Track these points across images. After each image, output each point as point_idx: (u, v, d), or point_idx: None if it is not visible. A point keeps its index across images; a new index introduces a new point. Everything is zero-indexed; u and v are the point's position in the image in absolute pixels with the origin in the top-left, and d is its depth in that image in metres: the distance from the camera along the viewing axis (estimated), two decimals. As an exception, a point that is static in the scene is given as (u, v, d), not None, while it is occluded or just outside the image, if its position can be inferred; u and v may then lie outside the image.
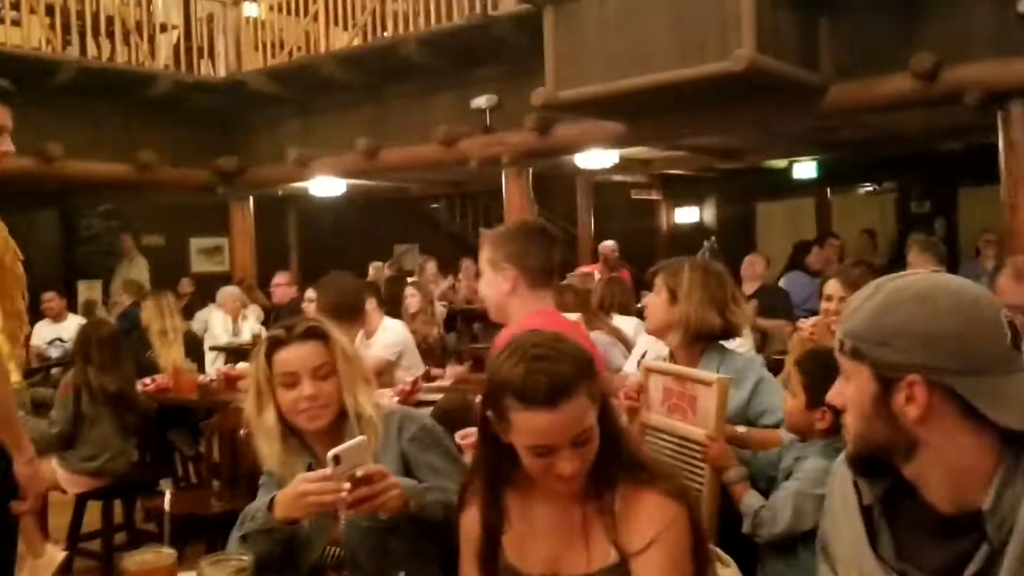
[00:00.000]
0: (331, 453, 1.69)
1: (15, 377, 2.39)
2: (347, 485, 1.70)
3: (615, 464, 1.55)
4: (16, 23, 8.01)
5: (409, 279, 7.87)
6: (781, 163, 11.05)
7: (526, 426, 1.48)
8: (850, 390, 1.25)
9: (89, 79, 8.14)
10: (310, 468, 1.98)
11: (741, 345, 3.65)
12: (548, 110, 6.79)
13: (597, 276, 7.25)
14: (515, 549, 1.59)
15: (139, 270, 10.62)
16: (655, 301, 2.77)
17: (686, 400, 2.42)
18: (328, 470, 1.71)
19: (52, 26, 8.09)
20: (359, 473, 1.70)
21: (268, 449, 2.00)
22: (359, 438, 1.77)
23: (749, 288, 6.09)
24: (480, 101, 7.89)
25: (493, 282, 2.53)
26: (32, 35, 8.05)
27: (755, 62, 5.50)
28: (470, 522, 1.63)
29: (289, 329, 2.02)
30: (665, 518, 1.51)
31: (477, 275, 2.92)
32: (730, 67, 5.54)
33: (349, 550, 1.95)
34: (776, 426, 2.50)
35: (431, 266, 9.78)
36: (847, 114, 6.46)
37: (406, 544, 1.92)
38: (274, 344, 2.00)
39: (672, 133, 7.57)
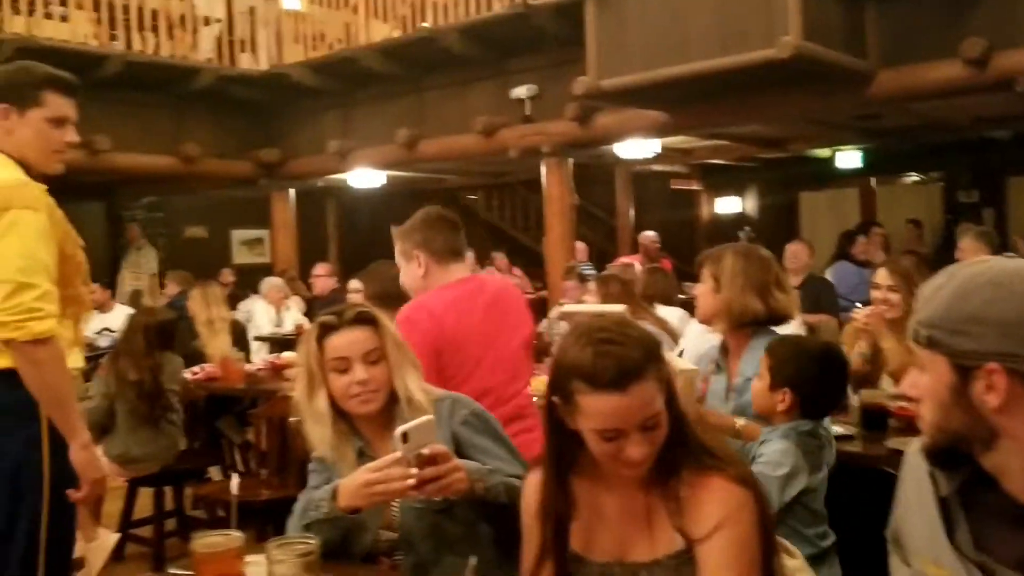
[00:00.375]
0: (399, 431, 1.70)
1: (78, 362, 2.42)
2: (414, 471, 1.71)
3: (680, 450, 1.54)
4: (64, 18, 8.13)
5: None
6: (825, 152, 10.90)
7: (595, 410, 1.47)
8: (926, 380, 1.23)
9: (134, 73, 8.24)
10: (361, 453, 2.00)
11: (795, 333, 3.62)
12: (589, 99, 6.75)
13: (638, 267, 7.23)
14: (580, 536, 1.59)
15: (147, 259, 10.74)
16: (702, 290, 2.78)
17: None
18: (397, 452, 1.72)
19: (98, 20, 8.21)
20: (426, 451, 1.71)
21: (319, 434, 2.01)
22: (426, 417, 1.78)
23: (794, 280, 6.00)
24: (520, 91, 7.87)
25: (408, 270, 2.82)
26: (79, 30, 8.16)
27: (801, 49, 5.42)
28: (534, 508, 1.62)
29: (340, 315, 2.03)
30: (731, 503, 1.49)
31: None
32: (775, 55, 5.47)
33: (403, 533, 1.96)
34: None
35: (469, 256, 9.79)
36: (894, 102, 6.36)
37: (460, 526, 1.94)
38: (325, 330, 2.01)
39: (714, 122, 7.50)
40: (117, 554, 4.30)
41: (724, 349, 2.79)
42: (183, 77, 8.77)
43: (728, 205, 13.46)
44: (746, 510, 1.49)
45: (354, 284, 5.25)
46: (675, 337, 4.48)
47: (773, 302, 2.67)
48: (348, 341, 1.98)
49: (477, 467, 1.89)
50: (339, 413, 2.02)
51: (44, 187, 2.30)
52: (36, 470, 2.22)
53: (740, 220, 12.76)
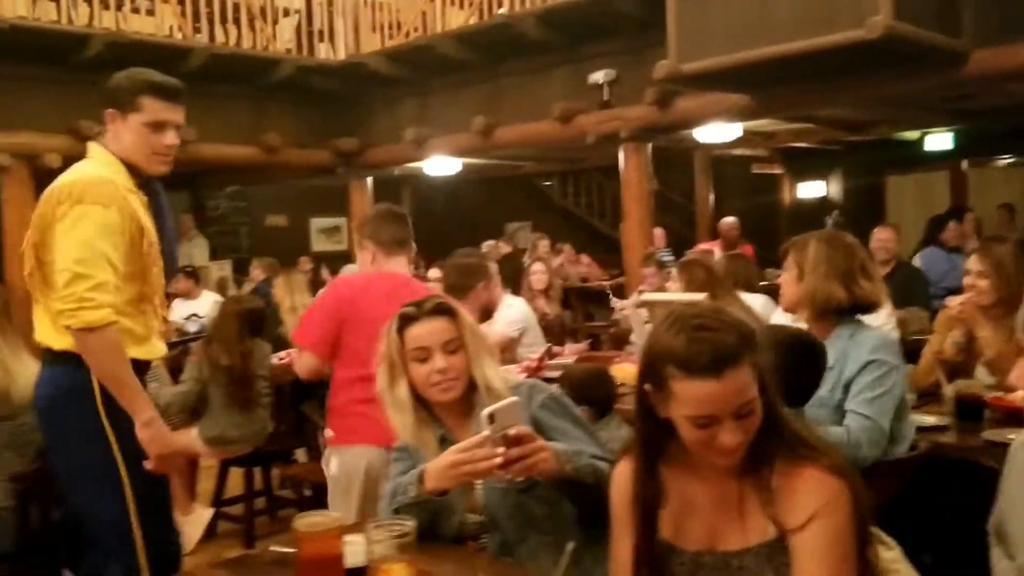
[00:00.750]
0: (486, 412, 1.74)
1: (155, 353, 2.55)
2: (500, 450, 1.73)
3: (772, 439, 1.51)
4: (150, 12, 8.38)
5: (525, 257, 7.92)
6: (913, 134, 10.58)
7: (689, 396, 1.46)
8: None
9: (217, 65, 8.43)
10: (442, 440, 2.04)
11: (884, 323, 3.53)
12: (669, 83, 6.66)
13: (717, 254, 7.13)
14: (670, 525, 1.58)
15: (199, 249, 10.96)
16: (785, 278, 2.76)
17: None
18: (483, 433, 1.75)
19: (183, 14, 8.41)
20: (511, 432, 1.73)
21: (400, 421, 2.07)
22: (511, 399, 1.81)
23: (882, 269, 5.82)
24: (598, 76, 7.81)
25: (361, 257, 3.24)
26: (164, 23, 8.40)
27: (892, 29, 5.24)
28: (625, 497, 1.62)
29: (419, 306, 2.09)
30: (826, 494, 1.47)
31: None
32: (864, 35, 5.30)
33: (488, 514, 1.99)
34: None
35: (544, 244, 9.80)
36: (989, 82, 6.12)
37: (544, 506, 1.97)
38: (405, 320, 2.08)
39: (799, 105, 7.33)
40: (210, 530, 4.46)
41: None
42: (264, 68, 8.94)
43: (811, 190, 13.17)
44: (841, 500, 1.47)
45: (433, 273, 5.32)
46: (761, 324, 4.39)
47: (858, 290, 2.62)
48: (428, 331, 2.04)
49: (564, 448, 1.90)
50: (420, 401, 2.08)
51: (127, 185, 2.41)
52: (105, 444, 2.34)
53: (823, 205, 12.47)
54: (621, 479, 1.64)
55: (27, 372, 2.89)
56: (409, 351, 2.05)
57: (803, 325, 2.75)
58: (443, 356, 2.02)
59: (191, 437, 4.32)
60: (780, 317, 3.73)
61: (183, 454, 2.42)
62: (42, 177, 7.87)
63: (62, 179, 2.38)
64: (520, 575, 1.69)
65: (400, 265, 3.18)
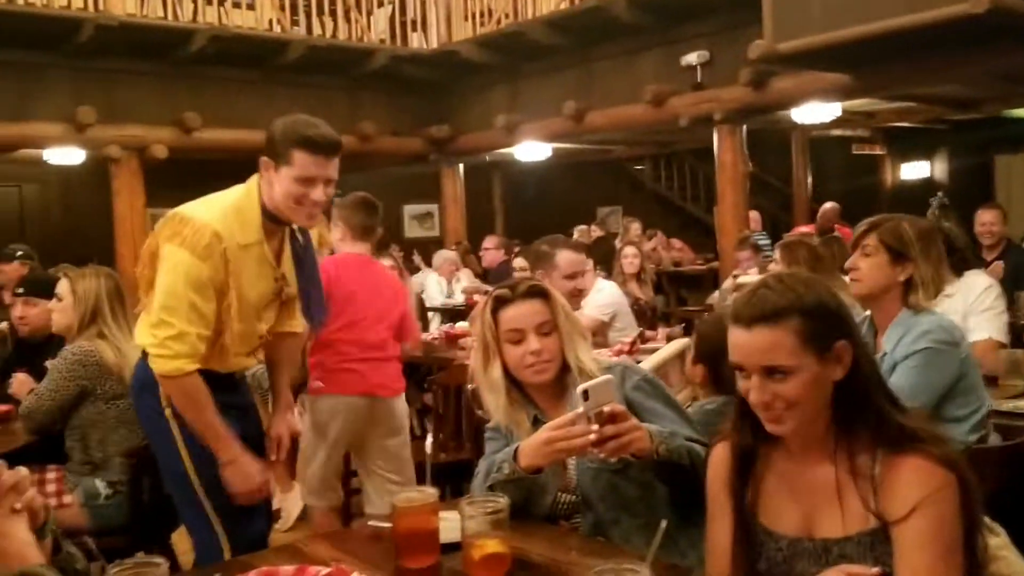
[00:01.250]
0: (580, 388, 1.75)
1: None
2: (595, 427, 1.74)
3: (871, 427, 1.49)
4: (251, 7, 8.62)
5: (617, 241, 7.88)
6: (1023, 112, 10.10)
7: (731, 343, 1.51)
8: None
9: (314, 56, 8.63)
10: (535, 420, 2.05)
11: (993, 304, 3.42)
12: (765, 63, 6.52)
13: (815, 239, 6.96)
14: (767, 509, 1.57)
15: None
16: (871, 263, 2.59)
17: None
18: (579, 409, 1.76)
19: (282, 7, 8.65)
20: (606, 409, 1.74)
21: (494, 402, 2.08)
22: (605, 376, 1.82)
23: (989, 253, 5.58)
24: (691, 58, 7.71)
25: (332, 233, 3.78)
26: (263, 17, 8.65)
27: (998, 2, 5.04)
28: (722, 477, 1.61)
29: (513, 288, 2.10)
30: (931, 485, 1.43)
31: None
32: (969, 9, 5.10)
33: (581, 493, 2.00)
34: None
35: (635, 227, 9.72)
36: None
37: (637, 488, 1.97)
38: (500, 302, 2.09)
39: (901, 83, 7.09)
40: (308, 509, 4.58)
41: (872, 324, 2.67)
42: (358, 59, 9.11)
43: (915, 171, 12.72)
44: (947, 491, 1.43)
45: (519, 262, 5.36)
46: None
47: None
48: (522, 313, 2.05)
49: (659, 430, 1.90)
50: (513, 382, 2.09)
51: (247, 239, 2.39)
52: (170, 439, 2.42)
53: (928, 186, 12.02)
54: (718, 460, 1.64)
55: (137, 354, 3.04)
56: (503, 332, 2.06)
57: (860, 312, 2.68)
58: (537, 338, 2.03)
59: (293, 418, 4.45)
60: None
61: (266, 484, 2.48)
62: (150, 168, 8.23)
63: (183, 209, 2.40)
64: (613, 553, 1.69)
65: (364, 248, 3.74)
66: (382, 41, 9.38)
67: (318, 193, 2.35)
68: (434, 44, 9.52)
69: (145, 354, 2.43)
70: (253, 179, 2.44)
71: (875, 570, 1.43)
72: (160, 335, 2.31)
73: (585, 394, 1.73)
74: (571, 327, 2.09)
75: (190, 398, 2.36)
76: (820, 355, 1.46)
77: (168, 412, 2.40)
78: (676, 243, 10.85)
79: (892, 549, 1.44)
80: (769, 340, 1.45)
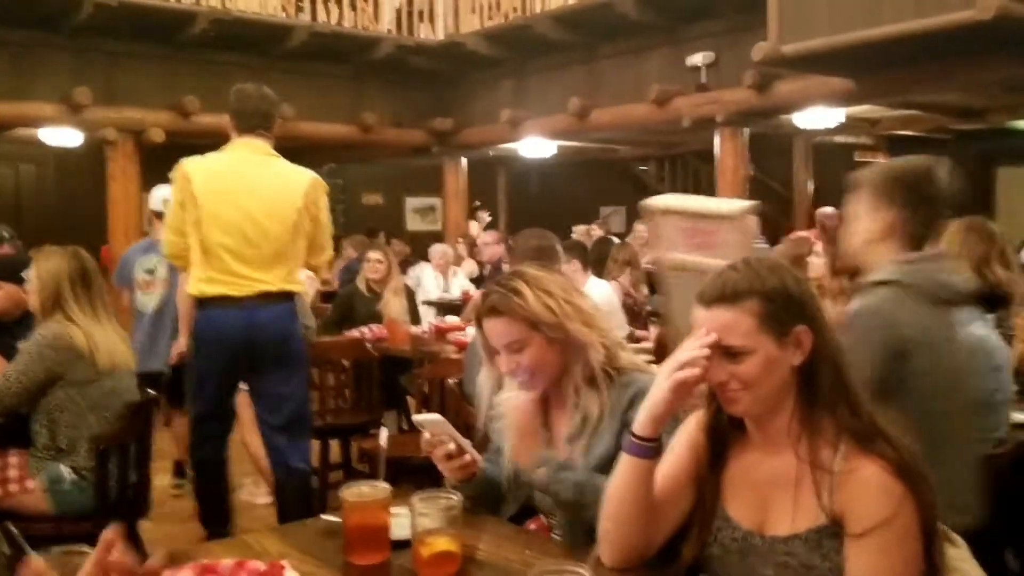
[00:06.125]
0: (415, 418, 1.93)
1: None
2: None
3: (835, 417, 1.46)
4: (256, -9, 8.57)
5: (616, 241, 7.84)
6: (1028, 123, 10.04)
7: (693, 322, 1.53)
8: None
9: (318, 43, 8.58)
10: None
11: None
12: (769, 66, 6.47)
13: (816, 243, 6.89)
14: (728, 494, 1.56)
15: None
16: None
17: (706, 236, 2.35)
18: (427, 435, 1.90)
19: (288, -8, 8.60)
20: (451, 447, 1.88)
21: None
22: (435, 416, 1.90)
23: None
24: (696, 58, 7.66)
25: None
26: (268, 2, 8.58)
27: (1005, 10, 4.98)
28: (694, 440, 1.61)
29: (483, 300, 1.99)
30: (890, 504, 1.40)
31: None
32: (975, 16, 5.05)
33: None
34: None
35: (641, 228, 9.66)
36: (1115, 66, 5.74)
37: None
38: (479, 315, 2.01)
39: (905, 89, 7.03)
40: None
41: None
42: (363, 47, 9.06)
43: (917, 180, 12.63)
44: (905, 506, 1.40)
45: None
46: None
47: (991, 275, 2.51)
48: (488, 332, 1.92)
49: (556, 465, 1.87)
50: None
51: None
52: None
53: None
54: (694, 421, 1.63)
55: (107, 338, 2.99)
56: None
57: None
58: (507, 357, 1.88)
59: None
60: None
61: None
62: (147, 151, 8.18)
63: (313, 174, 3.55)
64: (567, 553, 1.65)
65: None
66: (388, 31, 9.32)
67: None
68: (441, 36, 9.47)
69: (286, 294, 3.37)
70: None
71: None
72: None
73: (422, 424, 1.87)
74: (564, 333, 1.87)
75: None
76: (778, 338, 1.46)
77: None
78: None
79: (841, 548, 1.43)
80: (726, 320, 1.47)
